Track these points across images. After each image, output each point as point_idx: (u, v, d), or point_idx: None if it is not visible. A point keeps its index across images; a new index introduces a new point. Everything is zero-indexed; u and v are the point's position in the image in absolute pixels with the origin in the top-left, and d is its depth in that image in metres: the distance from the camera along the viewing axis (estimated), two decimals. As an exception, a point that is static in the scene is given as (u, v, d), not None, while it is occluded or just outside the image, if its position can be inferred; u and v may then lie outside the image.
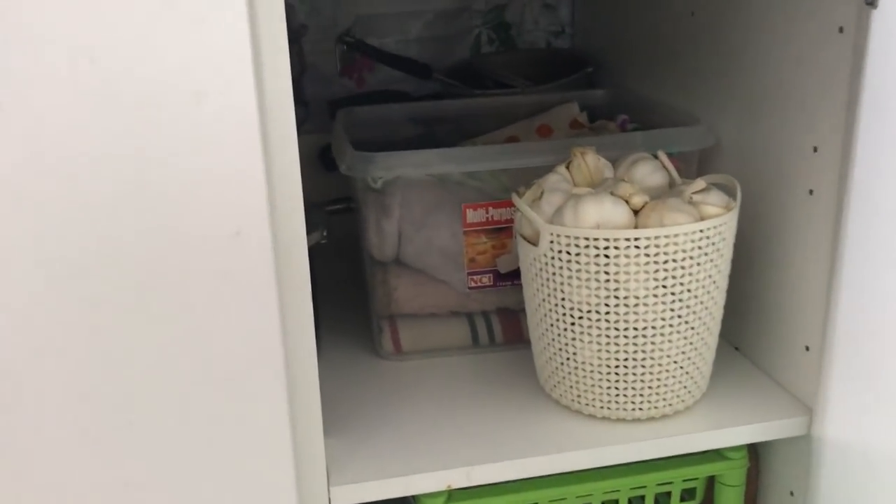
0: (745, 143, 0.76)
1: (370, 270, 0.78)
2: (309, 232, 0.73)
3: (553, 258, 0.65)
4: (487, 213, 0.76)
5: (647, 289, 0.64)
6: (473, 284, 0.78)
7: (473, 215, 0.76)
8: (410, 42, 1.10)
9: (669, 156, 0.73)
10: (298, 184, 0.55)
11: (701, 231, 0.63)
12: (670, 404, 0.68)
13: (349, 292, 0.88)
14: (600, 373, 0.67)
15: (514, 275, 0.77)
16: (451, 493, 0.67)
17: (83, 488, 0.56)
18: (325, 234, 0.73)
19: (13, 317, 0.51)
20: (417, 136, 0.97)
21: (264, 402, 0.56)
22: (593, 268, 0.63)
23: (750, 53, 0.74)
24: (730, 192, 0.68)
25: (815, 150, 0.67)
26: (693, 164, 0.79)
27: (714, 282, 0.66)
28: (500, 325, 0.80)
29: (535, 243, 0.66)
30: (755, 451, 0.75)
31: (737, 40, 0.76)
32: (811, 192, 0.68)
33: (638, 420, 0.68)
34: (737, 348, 0.79)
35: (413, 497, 0.67)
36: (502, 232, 0.77)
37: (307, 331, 0.58)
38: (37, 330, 0.52)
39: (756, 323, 0.76)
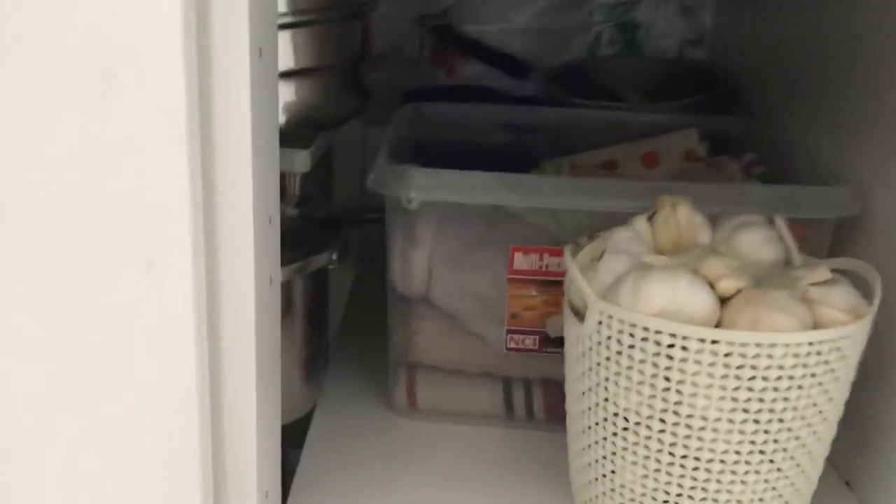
0: (902, 219, 0.57)
1: (391, 305, 0.64)
2: (315, 252, 0.60)
3: (601, 344, 0.48)
4: (541, 260, 0.60)
5: (720, 410, 0.46)
6: (513, 345, 0.63)
7: (523, 261, 0.60)
8: (515, 33, 0.94)
9: (795, 222, 0.54)
10: (250, 198, 0.41)
11: (810, 344, 0.45)
12: (734, 561, 0.51)
13: (374, 325, 0.74)
14: (643, 504, 0.50)
15: (567, 341, 0.61)
16: None
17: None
18: (334, 256, 0.59)
19: None
20: (503, 145, 0.82)
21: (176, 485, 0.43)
22: (650, 369, 0.47)
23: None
24: (865, 289, 0.49)
25: None
26: (825, 239, 0.60)
27: (820, 412, 0.47)
28: (543, 399, 0.64)
29: (583, 317, 0.50)
30: None
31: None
32: None
33: (687, 573, 0.51)
34: (848, 483, 0.60)
35: None
36: (557, 287, 0.61)
37: (248, 406, 0.44)
38: None
39: (878, 459, 0.57)
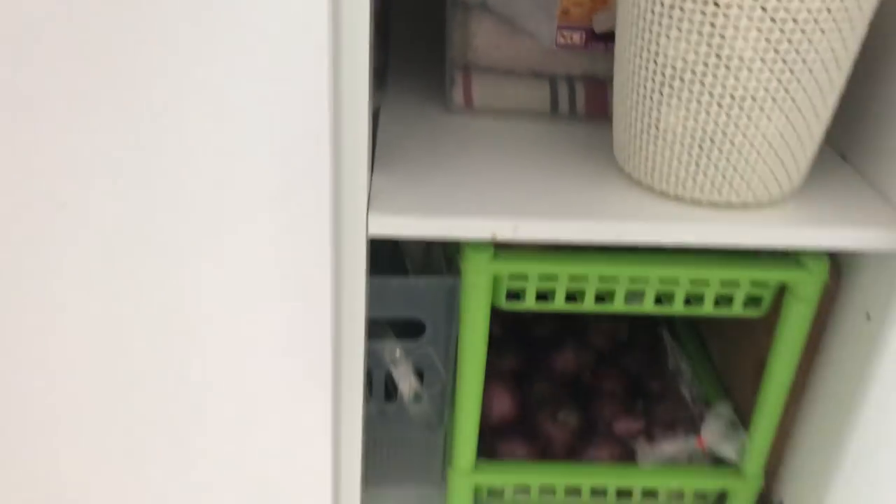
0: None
1: (450, 10, 0.71)
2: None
3: (654, 2, 0.57)
4: (592, -43, 0.68)
5: (755, 50, 0.55)
6: (562, 41, 0.71)
7: (575, -42, 0.68)
8: None
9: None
10: None
11: (835, -9, 0.54)
12: (754, 193, 0.61)
13: (428, 36, 0.82)
14: (682, 144, 0.60)
15: (609, 38, 0.69)
16: (498, 252, 0.63)
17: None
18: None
19: None
20: None
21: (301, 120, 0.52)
22: (698, 17, 0.55)
23: None
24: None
25: None
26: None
27: (835, 59, 0.57)
28: (584, 94, 0.73)
29: (637, -13, 0.58)
30: (837, 269, 0.69)
31: None
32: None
33: (714, 205, 0.62)
34: (844, 157, 0.71)
35: (456, 249, 0.64)
36: (605, -16, 0.69)
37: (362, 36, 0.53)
38: None
39: (869, 130, 0.67)
